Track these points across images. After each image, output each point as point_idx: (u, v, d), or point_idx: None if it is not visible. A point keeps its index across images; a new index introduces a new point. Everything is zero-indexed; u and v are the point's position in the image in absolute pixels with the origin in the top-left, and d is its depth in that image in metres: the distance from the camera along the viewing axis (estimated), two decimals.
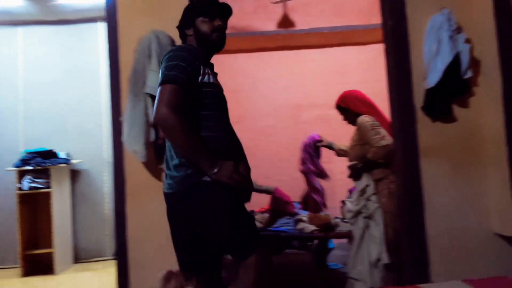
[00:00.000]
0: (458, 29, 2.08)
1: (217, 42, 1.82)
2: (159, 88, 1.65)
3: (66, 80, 4.58)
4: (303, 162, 3.57)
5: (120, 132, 2.14)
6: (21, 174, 4.07)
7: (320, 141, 3.51)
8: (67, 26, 4.61)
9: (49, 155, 4.13)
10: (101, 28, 4.56)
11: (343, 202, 4.31)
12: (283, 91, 4.78)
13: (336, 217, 3.64)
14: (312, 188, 3.57)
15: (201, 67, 1.73)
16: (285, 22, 4.64)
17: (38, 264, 4.27)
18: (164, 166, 1.80)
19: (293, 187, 3.78)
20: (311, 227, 3.22)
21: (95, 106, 4.55)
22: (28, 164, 4.03)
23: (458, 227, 2.15)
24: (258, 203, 3.53)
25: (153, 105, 2.00)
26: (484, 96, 2.15)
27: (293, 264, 3.97)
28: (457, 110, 2.18)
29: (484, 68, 2.14)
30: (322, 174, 3.58)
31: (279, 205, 3.42)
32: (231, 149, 1.78)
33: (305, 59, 4.93)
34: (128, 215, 2.18)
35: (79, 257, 4.45)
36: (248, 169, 1.85)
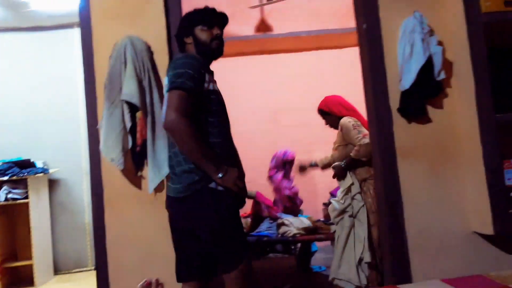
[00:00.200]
0: (431, 32, 2.12)
1: (216, 50, 1.90)
2: (167, 94, 1.72)
3: (42, 88, 4.50)
4: (271, 173, 3.70)
5: (97, 140, 2.12)
6: None
7: (292, 161, 3.58)
8: (42, 32, 4.55)
9: (26, 164, 4.05)
10: (77, 34, 4.50)
11: (324, 204, 4.34)
12: (261, 95, 4.79)
13: (319, 220, 3.67)
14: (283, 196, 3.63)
15: (206, 74, 1.81)
16: (263, 26, 4.67)
17: (18, 276, 4.18)
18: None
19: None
20: (293, 231, 3.23)
21: (72, 114, 4.48)
22: (4, 175, 3.93)
23: (437, 226, 2.17)
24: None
25: (129, 112, 2.00)
26: (458, 97, 2.19)
27: (277, 268, 3.98)
28: (432, 111, 2.22)
29: (457, 70, 2.19)
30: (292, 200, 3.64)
31: (261, 210, 3.43)
32: (232, 155, 1.87)
33: (283, 63, 4.97)
34: (106, 224, 2.15)
35: (60, 268, 4.37)
36: (243, 175, 1.93)
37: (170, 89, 1.71)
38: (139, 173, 2.13)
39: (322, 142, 3.83)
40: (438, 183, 2.19)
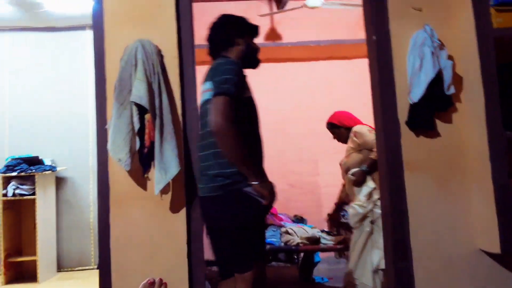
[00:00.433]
0: (441, 46, 2.11)
1: (259, 62, 2.08)
2: (213, 99, 1.79)
3: (52, 87, 4.56)
4: None
5: (105, 140, 2.13)
6: (6, 181, 4.02)
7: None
8: (55, 33, 4.61)
9: (34, 161, 4.10)
10: (89, 36, 4.56)
11: (329, 215, 4.32)
12: (269, 103, 4.80)
13: (323, 230, 3.66)
14: None
15: (246, 82, 1.91)
16: (272, 35, 4.70)
17: (22, 271, 4.22)
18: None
19: (280, 199, 3.78)
20: (297, 240, 3.22)
21: (81, 114, 4.53)
22: (13, 170, 3.98)
23: (442, 243, 2.14)
24: None
25: (138, 114, 2.02)
26: (467, 112, 2.18)
27: (279, 277, 3.95)
28: (441, 126, 2.20)
29: (467, 85, 2.17)
30: None
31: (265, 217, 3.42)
32: (261, 162, 1.96)
33: (291, 72, 4.98)
34: (111, 223, 2.16)
35: (63, 265, 4.40)
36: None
37: (216, 94, 1.78)
38: (145, 175, 2.14)
39: (329, 151, 3.83)
40: (445, 199, 2.17)
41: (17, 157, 4.14)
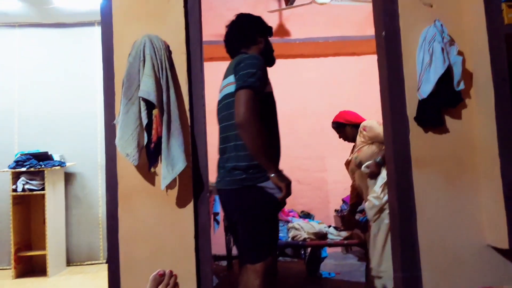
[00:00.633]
0: (451, 41, 2.10)
1: (275, 60, 2.18)
2: (239, 91, 1.84)
3: (61, 83, 4.59)
4: None
5: (113, 135, 2.15)
6: (16, 176, 4.07)
7: None
8: (64, 29, 4.64)
9: (44, 157, 4.14)
10: (98, 32, 4.58)
11: (336, 211, 4.32)
12: (278, 100, 4.78)
13: (330, 226, 3.66)
14: None
15: (267, 77, 1.97)
16: (281, 31, 4.68)
17: (31, 266, 4.28)
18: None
19: None
20: (304, 235, 3.22)
21: (90, 110, 4.56)
22: (22, 166, 4.02)
23: (450, 238, 2.13)
24: None
25: (146, 109, 2.03)
26: (477, 108, 2.16)
27: (286, 272, 3.96)
28: (450, 122, 2.18)
29: (477, 81, 2.15)
30: None
31: None
32: (279, 157, 2.03)
33: (300, 68, 4.96)
34: (120, 218, 2.18)
35: (72, 260, 4.45)
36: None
37: (242, 87, 1.83)
38: (152, 170, 2.16)
39: (336, 148, 3.81)
40: (454, 195, 2.15)
41: (26, 152, 4.18)
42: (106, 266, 2.21)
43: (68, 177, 4.50)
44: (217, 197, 3.82)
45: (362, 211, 3.74)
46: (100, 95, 4.43)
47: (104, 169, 2.25)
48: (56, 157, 4.26)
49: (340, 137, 3.16)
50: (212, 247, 2.27)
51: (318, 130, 4.79)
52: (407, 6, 2.20)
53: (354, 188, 3.25)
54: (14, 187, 4.03)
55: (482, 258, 2.12)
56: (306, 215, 4.01)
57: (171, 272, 1.11)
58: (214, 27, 4.08)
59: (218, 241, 3.93)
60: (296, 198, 4.29)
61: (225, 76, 2.04)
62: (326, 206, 4.60)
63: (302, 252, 4.04)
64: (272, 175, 1.85)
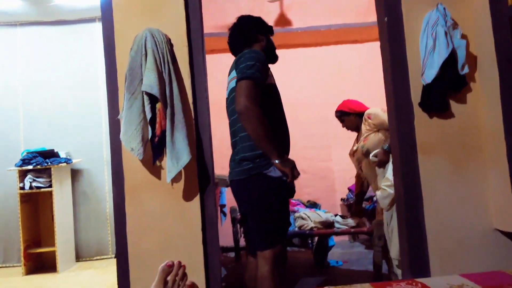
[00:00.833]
0: (454, 25, 2.07)
1: (277, 57, 2.26)
2: (238, 83, 1.90)
3: (65, 80, 4.59)
4: None
5: (118, 131, 2.15)
6: (22, 174, 4.09)
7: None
8: (65, 26, 4.63)
9: (50, 154, 4.16)
10: (99, 28, 4.57)
11: (342, 200, 4.32)
12: (281, 90, 4.77)
13: (336, 215, 3.66)
14: None
15: (269, 69, 2.03)
16: (282, 20, 4.65)
17: (41, 262, 4.32)
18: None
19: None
20: (311, 224, 3.23)
21: (94, 106, 4.56)
22: (29, 164, 4.05)
23: (457, 223, 2.13)
24: None
25: (149, 103, 2.03)
26: (482, 92, 2.14)
27: (293, 261, 3.98)
28: (455, 106, 2.17)
29: (481, 64, 2.13)
30: None
31: None
32: (287, 146, 2.08)
33: (301, 57, 4.94)
34: (127, 212, 2.19)
35: (81, 255, 4.48)
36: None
37: (241, 79, 1.89)
38: (157, 163, 2.16)
39: (341, 136, 3.80)
40: (460, 180, 2.15)
41: (32, 150, 4.20)
42: (115, 261, 2.22)
43: (75, 174, 4.52)
44: (223, 189, 3.84)
45: (369, 199, 3.74)
46: (103, 91, 4.45)
47: (110, 164, 2.26)
48: (62, 154, 4.28)
49: (343, 126, 3.14)
50: (219, 239, 2.28)
51: (323, 119, 4.77)
52: None
53: (359, 177, 3.23)
54: (21, 185, 4.06)
55: (489, 242, 2.12)
56: (313, 205, 4.01)
57: (179, 262, 1.12)
58: (215, 19, 4.07)
59: (226, 233, 3.95)
60: (302, 188, 4.29)
61: (229, 72, 2.12)
62: (332, 195, 4.60)
63: (309, 241, 4.05)
64: (276, 161, 1.87)
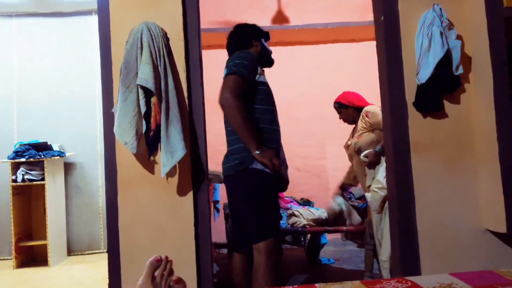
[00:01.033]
0: (450, 26, 2.08)
1: (273, 61, 2.37)
2: (224, 78, 2.01)
3: (59, 73, 4.56)
4: None
5: (112, 124, 2.14)
6: (15, 166, 4.07)
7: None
8: (61, 18, 4.60)
9: (43, 147, 4.13)
10: (95, 21, 4.54)
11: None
12: (276, 87, 4.78)
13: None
14: None
15: (258, 67, 2.11)
16: (280, 18, 4.65)
17: (32, 256, 4.30)
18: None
19: None
20: (303, 222, 3.24)
21: (89, 99, 4.54)
22: (22, 156, 4.02)
23: (448, 222, 2.15)
24: None
25: (144, 97, 2.02)
26: (476, 93, 2.16)
27: (286, 259, 3.99)
28: (449, 106, 2.18)
29: (476, 65, 2.15)
30: None
31: None
32: (275, 140, 2.13)
33: (298, 55, 4.94)
34: (119, 207, 2.18)
35: (73, 249, 4.47)
36: (284, 161, 2.26)
37: (227, 74, 1.99)
38: (151, 158, 2.15)
39: (336, 135, 3.81)
40: (452, 179, 2.17)
41: (25, 143, 4.17)
42: (106, 255, 2.22)
43: (68, 167, 4.50)
44: (217, 185, 3.83)
45: (362, 197, 3.76)
46: (98, 84, 4.42)
47: (103, 158, 2.25)
48: (56, 147, 4.25)
49: (340, 117, 3.12)
50: (212, 235, 2.28)
51: (318, 117, 4.78)
52: None
53: (351, 169, 3.23)
54: (14, 177, 4.03)
55: (480, 242, 2.14)
56: (306, 202, 4.02)
57: (167, 257, 1.13)
58: (213, 15, 4.06)
59: (219, 229, 3.95)
60: (295, 186, 4.29)
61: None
62: (326, 194, 4.61)
63: (302, 239, 4.07)
64: (256, 152, 1.94)
